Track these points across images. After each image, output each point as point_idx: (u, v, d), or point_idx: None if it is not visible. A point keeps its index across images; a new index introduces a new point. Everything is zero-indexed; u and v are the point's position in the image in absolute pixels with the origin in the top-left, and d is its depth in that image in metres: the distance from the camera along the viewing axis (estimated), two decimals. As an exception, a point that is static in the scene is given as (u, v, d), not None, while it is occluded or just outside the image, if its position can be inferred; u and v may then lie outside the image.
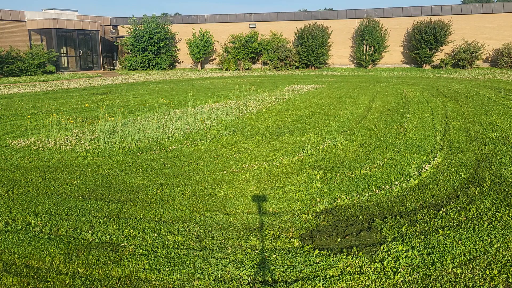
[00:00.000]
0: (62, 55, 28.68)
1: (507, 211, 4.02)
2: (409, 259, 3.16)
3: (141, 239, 3.56)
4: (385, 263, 3.11)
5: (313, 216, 4.02)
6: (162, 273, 3.02)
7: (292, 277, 2.97)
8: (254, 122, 9.07)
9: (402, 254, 3.23)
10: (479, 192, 4.58)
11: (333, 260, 3.18)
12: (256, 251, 3.34)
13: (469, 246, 3.34)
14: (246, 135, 7.81)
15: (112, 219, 3.98)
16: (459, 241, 3.41)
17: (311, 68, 29.37)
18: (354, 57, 29.74)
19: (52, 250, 3.35)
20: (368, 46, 28.01)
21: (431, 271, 3.01)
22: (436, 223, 3.81)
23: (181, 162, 6.00)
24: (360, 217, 4.00)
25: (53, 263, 3.16)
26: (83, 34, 29.39)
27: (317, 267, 3.09)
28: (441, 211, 4.06)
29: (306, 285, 2.86)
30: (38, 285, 2.87)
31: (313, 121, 9.16)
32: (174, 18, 32.65)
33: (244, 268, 3.09)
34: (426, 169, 5.39)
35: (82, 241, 3.52)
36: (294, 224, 3.86)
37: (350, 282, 2.89)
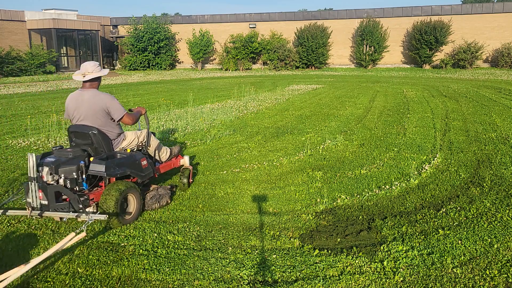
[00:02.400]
0: (62, 55, 28.69)
1: (507, 211, 4.02)
2: (409, 259, 3.16)
3: (141, 239, 3.56)
4: (385, 263, 3.11)
5: (313, 216, 4.02)
6: (162, 273, 3.02)
7: (292, 277, 2.97)
8: (254, 122, 9.07)
9: (402, 254, 3.23)
10: (479, 192, 4.58)
11: (333, 260, 3.18)
12: (256, 251, 3.35)
13: (469, 246, 3.34)
14: (246, 135, 7.81)
15: (112, 219, 3.98)
16: (459, 241, 3.42)
17: (311, 68, 29.38)
18: (354, 57, 29.74)
19: (52, 250, 3.35)
20: (368, 46, 28.02)
21: (431, 271, 3.01)
22: (436, 223, 3.81)
23: (181, 162, 6.00)
24: (360, 217, 4.00)
25: (53, 263, 3.16)
26: (83, 34, 29.39)
27: (317, 267, 3.09)
28: (441, 211, 4.06)
29: (306, 285, 2.86)
30: (38, 285, 2.88)
31: (313, 121, 9.16)
32: (174, 18, 32.65)
33: (244, 268, 3.09)
34: (426, 169, 5.39)
35: (82, 241, 3.52)
36: (294, 224, 3.87)
37: (350, 282, 2.89)
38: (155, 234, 3.65)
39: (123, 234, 3.65)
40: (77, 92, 4.15)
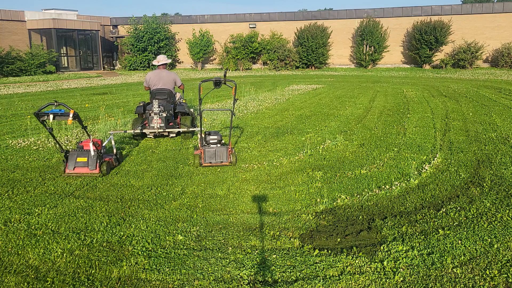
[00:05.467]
0: (62, 55, 28.69)
1: (507, 211, 4.02)
2: (409, 259, 3.16)
3: (141, 239, 3.56)
4: (385, 263, 3.11)
5: (313, 216, 4.02)
6: (162, 273, 3.02)
7: (292, 277, 2.97)
8: (254, 122, 9.07)
9: (402, 254, 3.23)
10: (479, 192, 4.58)
11: (333, 260, 3.18)
12: (256, 251, 3.35)
13: (469, 246, 3.34)
14: (246, 135, 7.81)
15: (112, 219, 3.99)
16: (459, 241, 3.42)
17: (311, 68, 29.37)
18: (354, 57, 29.74)
19: (52, 250, 3.35)
20: (368, 46, 28.01)
21: (431, 271, 3.01)
22: (436, 223, 3.81)
23: (181, 162, 6.00)
24: (360, 217, 4.00)
25: (53, 263, 3.16)
26: (83, 34, 29.39)
27: (317, 267, 3.09)
28: (441, 211, 4.06)
29: (306, 285, 2.86)
30: (38, 285, 2.88)
31: (313, 121, 9.16)
32: (174, 18, 32.64)
33: (244, 268, 3.09)
34: (426, 169, 5.39)
35: (82, 241, 3.52)
36: (294, 224, 3.87)
37: (350, 282, 2.89)
38: (155, 234, 3.65)
39: (123, 234, 3.66)
40: (156, 71, 7.79)
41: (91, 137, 5.58)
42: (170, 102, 7.50)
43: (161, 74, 7.67)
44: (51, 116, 4.97)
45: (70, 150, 5.56)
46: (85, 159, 5.38)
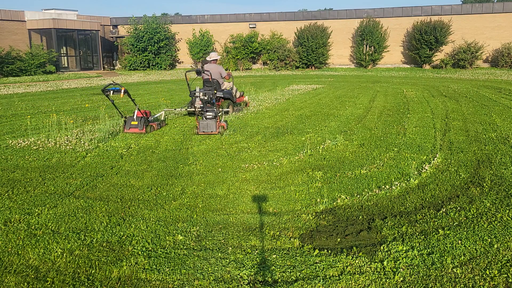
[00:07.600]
0: (62, 55, 28.68)
1: (507, 211, 4.02)
2: (409, 259, 3.16)
3: (141, 239, 3.56)
4: (385, 263, 3.11)
5: (313, 216, 4.03)
6: (162, 273, 3.02)
7: (292, 277, 2.97)
8: (254, 122, 9.07)
9: (402, 254, 3.23)
10: (479, 192, 4.58)
11: (333, 260, 3.18)
12: (256, 251, 3.35)
13: (469, 246, 3.34)
14: (246, 135, 7.81)
15: (112, 219, 3.99)
16: (459, 241, 3.42)
17: (311, 68, 29.37)
18: (354, 57, 29.74)
19: (52, 250, 3.35)
20: (368, 46, 28.01)
21: (431, 271, 3.01)
22: (436, 223, 3.81)
23: (181, 162, 6.00)
24: (360, 217, 4.00)
25: (53, 263, 3.16)
26: (83, 34, 29.38)
27: (317, 267, 3.09)
28: (441, 211, 4.06)
29: (306, 285, 2.86)
30: (38, 285, 2.88)
31: (313, 121, 9.16)
32: (174, 18, 32.65)
33: (244, 268, 3.09)
34: (426, 169, 5.39)
35: (82, 241, 3.52)
36: (294, 224, 3.87)
37: (350, 282, 2.89)
38: (155, 234, 3.65)
39: (123, 234, 3.66)
40: (207, 64, 10.08)
41: (137, 107, 8.16)
42: (213, 89, 9.18)
43: (210, 67, 9.90)
44: (111, 92, 7.52)
45: (127, 116, 8.17)
46: (136, 123, 7.95)
